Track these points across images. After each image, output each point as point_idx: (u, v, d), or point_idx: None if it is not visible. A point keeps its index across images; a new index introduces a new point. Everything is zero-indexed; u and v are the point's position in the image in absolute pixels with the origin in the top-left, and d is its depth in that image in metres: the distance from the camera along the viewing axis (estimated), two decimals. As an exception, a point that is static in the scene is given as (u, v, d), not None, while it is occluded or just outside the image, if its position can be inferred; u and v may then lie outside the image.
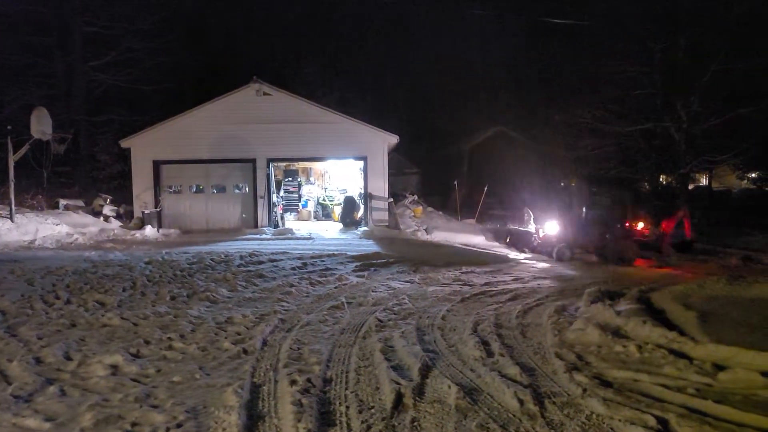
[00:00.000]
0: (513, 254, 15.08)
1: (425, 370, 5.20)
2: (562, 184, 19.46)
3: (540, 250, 15.07)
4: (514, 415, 4.28)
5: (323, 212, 23.01)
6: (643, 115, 22.39)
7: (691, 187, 25.97)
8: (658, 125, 22.23)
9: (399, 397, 4.55)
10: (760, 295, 6.85)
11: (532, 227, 16.11)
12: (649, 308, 7.17)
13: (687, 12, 21.07)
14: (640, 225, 14.85)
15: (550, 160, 25.86)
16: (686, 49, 21.56)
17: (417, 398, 4.55)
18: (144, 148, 19.43)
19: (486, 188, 24.29)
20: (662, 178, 24.51)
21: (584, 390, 4.70)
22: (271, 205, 19.85)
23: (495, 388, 4.78)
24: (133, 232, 17.40)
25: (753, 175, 31.27)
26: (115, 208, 20.27)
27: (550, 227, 15.19)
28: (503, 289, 9.60)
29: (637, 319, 6.47)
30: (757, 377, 4.76)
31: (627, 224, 14.77)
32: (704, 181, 35.05)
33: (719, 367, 5.09)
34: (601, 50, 22.12)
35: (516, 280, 10.79)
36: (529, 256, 14.91)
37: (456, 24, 36.73)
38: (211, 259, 11.91)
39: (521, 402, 4.45)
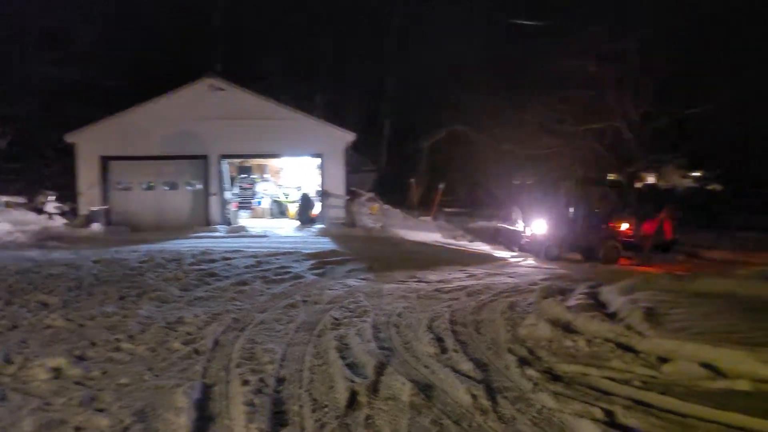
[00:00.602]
0: (501, 253, 15.27)
1: (380, 368, 5.19)
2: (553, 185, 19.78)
3: (528, 248, 15.28)
4: (467, 411, 4.31)
5: (278, 210, 22.77)
6: (595, 116, 22.95)
7: (639, 185, 26.73)
8: (609, 125, 22.83)
9: (353, 395, 4.53)
10: (701, 290, 7.11)
11: (520, 226, 16.21)
12: (599, 303, 7.35)
13: (639, 15, 21.70)
14: (625, 226, 15.30)
15: (506, 158, 26.22)
16: (638, 51, 22.18)
17: (371, 396, 4.54)
18: (91, 143, 18.81)
19: (442, 186, 24.49)
20: (613, 176, 25.16)
21: (535, 384, 4.78)
22: (224, 203, 19.52)
23: (449, 384, 4.82)
24: (78, 230, 16.85)
25: (696, 174, 32.47)
26: (60, 205, 19.57)
27: (537, 226, 15.37)
28: (459, 286, 9.70)
29: (586, 314, 6.63)
30: (699, 369, 4.94)
31: (612, 225, 15.20)
32: (651, 180, 36.15)
33: (663, 360, 5.26)
34: (556, 51, 22.55)
35: (471, 276, 10.91)
36: (516, 254, 15.10)
37: (414, 22, 36.81)
38: (162, 258, 11.63)
39: (474, 397, 4.50)
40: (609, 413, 4.14)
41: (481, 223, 21.43)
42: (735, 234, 18.57)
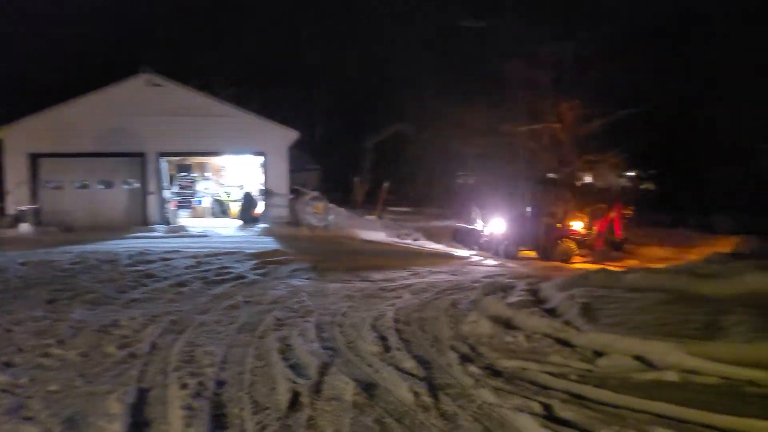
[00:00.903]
0: (459, 252, 15.39)
1: (323, 368, 5.15)
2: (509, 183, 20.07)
3: (487, 247, 15.43)
4: (409, 408, 4.33)
5: (220, 209, 22.30)
6: (533, 116, 23.55)
7: (577, 184, 27.56)
8: (546, 126, 23.47)
9: (295, 397, 4.48)
10: (634, 285, 7.38)
11: (479, 225, 16.33)
12: (539, 299, 7.53)
13: (575, 20, 22.37)
14: (579, 224, 15.68)
15: (450, 157, 26.57)
16: (574, 55, 22.87)
17: (314, 396, 4.50)
18: (19, 139, 17.91)
19: (387, 185, 24.57)
20: (551, 176, 25.86)
21: (476, 380, 4.85)
22: (163, 202, 18.97)
23: (392, 382, 4.82)
24: (5, 230, 16.04)
25: (630, 173, 33.75)
26: (-15, 204, 18.58)
27: (495, 225, 15.53)
28: (403, 285, 9.75)
29: (526, 310, 6.77)
30: (631, 361, 5.13)
31: (567, 224, 15.56)
32: (588, 179, 37.35)
33: (599, 354, 5.43)
34: (496, 50, 22.98)
35: (415, 275, 10.99)
36: (475, 253, 15.25)
37: (357, 20, 36.76)
38: (97, 259, 11.21)
39: (416, 395, 4.52)
40: (547, 407, 4.23)
41: (436, 223, 21.57)
42: (668, 231, 19.43)
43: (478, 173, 26.03)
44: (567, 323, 6.20)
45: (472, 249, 15.74)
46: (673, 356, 5.13)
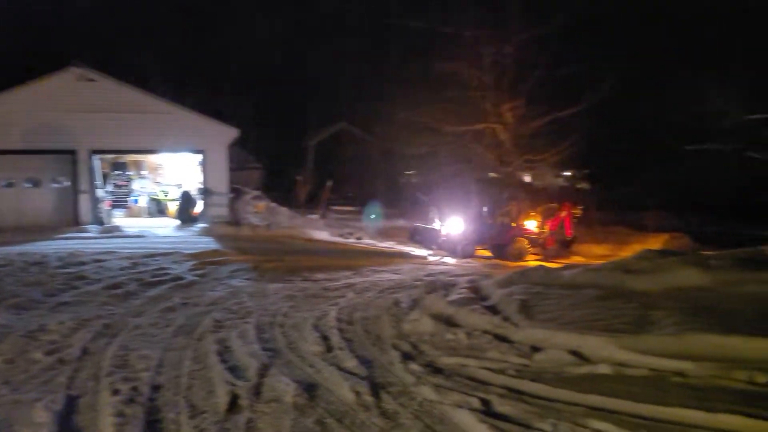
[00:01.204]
0: (417, 251, 15.45)
1: (263, 370, 5.08)
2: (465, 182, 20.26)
3: (445, 247, 15.49)
4: (350, 408, 4.32)
5: (157, 208, 21.67)
6: (474, 117, 23.94)
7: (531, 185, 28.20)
8: (488, 126, 23.91)
9: (234, 399, 4.39)
10: (569, 282, 7.61)
11: (437, 225, 16.39)
12: (479, 297, 7.65)
13: (514, 21, 22.86)
14: (532, 224, 15.99)
15: (391, 157, 26.70)
16: (513, 56, 23.38)
17: (253, 399, 4.43)
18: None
19: (330, 184, 24.49)
20: (492, 176, 26.36)
21: (417, 378, 4.88)
22: (96, 201, 18.25)
23: (333, 382, 4.80)
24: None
25: (567, 173, 34.81)
26: None
27: (453, 225, 15.62)
28: (346, 284, 9.72)
29: (466, 307, 6.87)
30: (566, 356, 5.27)
31: (521, 223, 15.85)
32: (527, 179, 38.30)
33: (536, 349, 5.56)
34: (438, 52, 23.24)
35: (358, 274, 10.98)
36: (433, 252, 15.32)
37: (299, 19, 36.46)
38: (24, 261, 10.69)
39: (358, 394, 4.51)
40: (485, 402, 4.31)
41: (388, 222, 21.61)
42: (607, 229, 20.19)
43: (422, 173, 26.28)
44: (506, 320, 6.32)
45: (431, 248, 15.89)
46: (605, 350, 5.31)
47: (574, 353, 5.34)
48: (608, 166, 26.24)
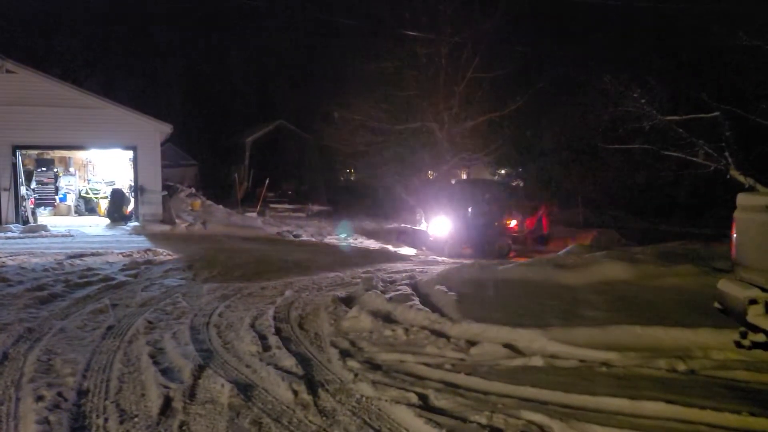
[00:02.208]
0: (405, 251, 15.66)
1: (198, 371, 4.96)
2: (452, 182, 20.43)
3: (432, 247, 15.69)
4: (288, 407, 4.29)
5: (86, 206, 20.83)
6: (412, 115, 24.21)
7: (453, 181, 28.66)
8: (424, 125, 24.22)
9: (167, 402, 4.28)
10: (502, 277, 7.82)
11: (424, 226, 16.86)
12: (417, 293, 7.75)
13: (447, 23, 23.24)
14: (513, 222, 16.37)
15: (330, 154, 26.64)
16: (447, 56, 23.77)
17: (187, 401, 4.33)
18: None
19: (267, 182, 24.19)
20: (429, 174, 26.72)
21: (356, 375, 4.90)
22: (19, 199, 17.35)
23: (270, 382, 4.75)
24: None
25: (502, 171, 35.70)
26: None
27: (438, 225, 16.07)
28: (285, 282, 9.62)
29: (405, 303, 6.95)
30: (500, 349, 5.42)
31: (503, 222, 16.18)
32: (464, 176, 39.02)
33: (472, 343, 5.68)
34: (375, 51, 23.35)
35: (295, 272, 10.89)
36: (421, 252, 15.61)
37: (233, 14, 35.76)
38: (-63, 263, 10.05)
39: (295, 393, 4.48)
40: (423, 397, 4.37)
41: (368, 223, 21.59)
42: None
43: (359, 171, 26.35)
44: (442, 315, 6.44)
45: (421, 249, 16.16)
46: (537, 343, 5.50)
47: (508, 346, 5.50)
48: (536, 166, 27.07)
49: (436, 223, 16.55)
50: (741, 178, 16.12)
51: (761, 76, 15.77)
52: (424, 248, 16.41)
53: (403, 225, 18.42)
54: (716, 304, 4.61)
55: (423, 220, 17.41)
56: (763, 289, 4.08)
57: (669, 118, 16.98)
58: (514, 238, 16.51)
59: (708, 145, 16.70)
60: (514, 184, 33.19)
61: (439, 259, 14.46)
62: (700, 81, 17.34)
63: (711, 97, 16.38)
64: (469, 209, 16.61)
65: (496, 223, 16.59)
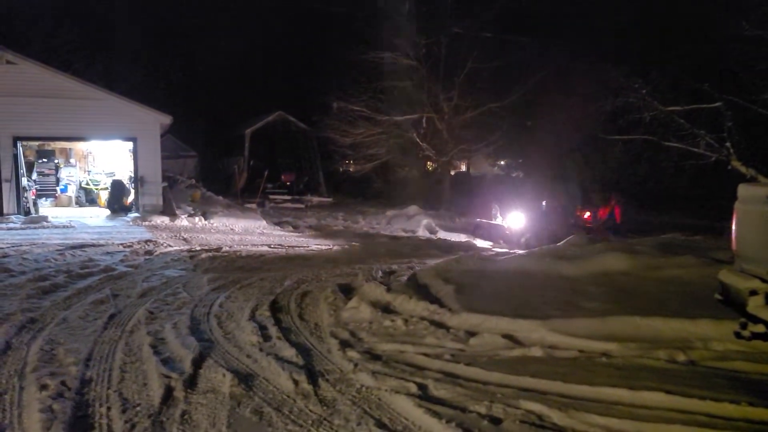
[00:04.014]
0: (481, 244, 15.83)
1: (199, 361, 5.00)
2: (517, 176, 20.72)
3: (509, 240, 16.10)
4: (288, 396, 4.32)
5: (87, 198, 20.83)
6: (411, 106, 24.15)
7: (453, 173, 28.69)
8: (424, 116, 24.17)
9: (169, 391, 4.32)
10: (501, 268, 7.83)
11: (500, 220, 17.15)
12: (417, 284, 7.76)
13: (447, 12, 23.16)
14: (586, 214, 16.54)
15: (329, 146, 26.60)
16: (447, 47, 23.69)
17: (189, 390, 4.36)
18: None
19: (266, 173, 24.18)
20: (429, 165, 26.72)
21: (355, 365, 4.92)
22: (20, 190, 17.35)
23: (271, 372, 4.78)
24: None
25: (501, 162, 35.65)
26: None
27: (514, 220, 16.42)
28: (284, 275, 9.62)
29: (404, 294, 6.96)
30: (500, 339, 5.44)
31: (576, 214, 16.59)
32: (464, 168, 38.99)
33: (471, 334, 5.71)
34: (375, 42, 23.28)
35: (294, 263, 10.90)
36: (498, 246, 15.80)
37: (230, 4, 35.63)
38: (-61, 254, 10.07)
39: (296, 383, 4.51)
40: (422, 387, 4.39)
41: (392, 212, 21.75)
42: None
43: (358, 162, 26.32)
44: (442, 306, 6.45)
45: (498, 243, 16.38)
46: (537, 333, 5.52)
47: (508, 337, 5.52)
48: (537, 157, 26.98)
49: (511, 217, 16.92)
50: (742, 169, 16.11)
51: (764, 66, 15.71)
52: (501, 241, 16.67)
53: (478, 219, 18.65)
54: (716, 295, 4.62)
55: (498, 215, 17.67)
56: (764, 280, 4.09)
57: (670, 108, 16.96)
58: (588, 229, 16.73)
59: (709, 136, 16.69)
60: (513, 175, 33.20)
61: (517, 251, 14.73)
62: (701, 71, 17.27)
63: (713, 87, 16.34)
64: (544, 203, 16.95)
65: (570, 215, 16.91)
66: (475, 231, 18.26)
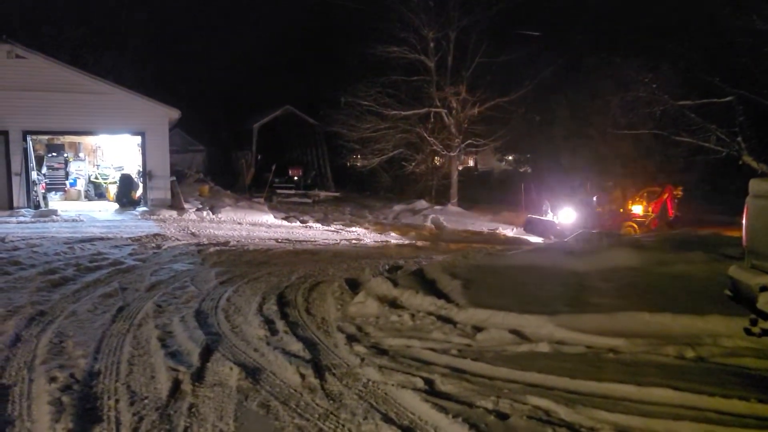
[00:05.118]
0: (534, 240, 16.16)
1: (206, 354, 5.02)
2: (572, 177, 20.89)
3: (560, 235, 16.05)
4: (295, 390, 4.32)
5: (96, 191, 20.91)
6: (419, 101, 24.09)
7: (460, 168, 28.58)
8: (432, 110, 24.10)
9: (176, 385, 4.33)
10: (511, 263, 7.80)
11: (550, 216, 17.33)
12: (423, 279, 7.75)
13: (456, 6, 23.04)
14: (638, 208, 16.81)
15: (336, 140, 26.58)
16: (456, 41, 23.59)
17: (196, 384, 4.37)
18: None
19: (274, 168, 24.20)
20: (437, 160, 26.63)
21: (362, 359, 4.93)
22: (30, 184, 17.45)
23: (278, 366, 4.79)
24: None
25: (509, 157, 35.54)
26: None
27: (565, 215, 16.62)
28: (292, 269, 9.64)
29: (411, 289, 6.95)
30: (507, 335, 5.43)
31: (628, 208, 16.82)
32: (471, 163, 38.93)
33: (478, 329, 5.69)
34: (382, 36, 23.20)
35: (302, 256, 10.92)
36: (551, 241, 15.91)
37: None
38: (-50, 247, 10.15)
39: (303, 376, 4.52)
40: (429, 382, 4.39)
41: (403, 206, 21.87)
42: None
43: (365, 157, 26.28)
44: (449, 301, 6.44)
45: (549, 239, 16.47)
46: (544, 329, 5.49)
47: (515, 332, 5.50)
48: (544, 151, 26.87)
49: (562, 212, 17.02)
50: (754, 164, 15.97)
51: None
52: (552, 237, 16.70)
53: (530, 216, 18.67)
54: (727, 291, 4.58)
55: (549, 211, 17.70)
56: (774, 277, 4.05)
57: (681, 103, 16.82)
58: (640, 223, 16.69)
59: (720, 131, 16.55)
60: (521, 170, 33.07)
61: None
62: (713, 65, 17.12)
63: (724, 81, 16.19)
64: (595, 198, 16.96)
65: (621, 210, 16.90)
66: (527, 227, 18.32)
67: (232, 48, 34.24)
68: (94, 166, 22.07)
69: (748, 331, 4.25)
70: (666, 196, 17.49)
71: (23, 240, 11.32)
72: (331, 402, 4.13)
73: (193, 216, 17.02)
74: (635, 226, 16.80)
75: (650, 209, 17.47)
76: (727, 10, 15.88)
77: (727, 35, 16.62)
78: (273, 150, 29.95)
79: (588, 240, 9.11)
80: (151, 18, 33.52)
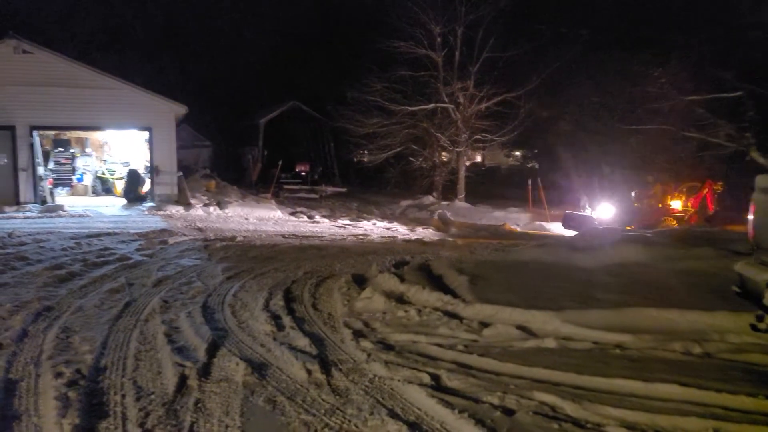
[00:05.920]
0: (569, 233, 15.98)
1: (213, 350, 5.02)
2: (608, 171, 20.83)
3: None
4: (301, 386, 4.33)
5: (103, 187, 21.00)
6: (426, 96, 24.02)
7: (467, 163, 28.54)
8: (439, 106, 24.04)
9: (183, 380, 4.34)
10: (515, 259, 7.78)
11: (589, 211, 17.38)
12: (430, 275, 7.74)
13: (462, 1, 22.94)
14: (677, 203, 16.71)
15: (343, 135, 26.56)
16: (463, 36, 23.50)
17: (202, 379, 4.38)
18: None
19: (280, 163, 24.22)
20: (444, 156, 26.57)
21: (369, 355, 4.92)
22: (37, 179, 17.54)
23: (284, 361, 4.80)
24: None
25: (517, 153, 35.42)
26: None
27: (604, 211, 16.63)
28: (297, 266, 9.65)
29: (418, 285, 6.94)
30: (513, 330, 5.41)
31: (666, 204, 16.76)
32: (478, 158, 38.84)
33: (484, 325, 5.68)
34: (389, 31, 23.15)
35: (309, 252, 10.93)
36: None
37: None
38: (-42, 242, 10.21)
39: (309, 372, 4.52)
40: (435, 377, 4.38)
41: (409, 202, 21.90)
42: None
43: (372, 153, 26.26)
44: (455, 296, 6.43)
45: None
46: (551, 325, 5.48)
47: (521, 328, 5.49)
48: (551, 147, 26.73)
49: (601, 208, 16.96)
50: (760, 159, 15.85)
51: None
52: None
53: (568, 211, 18.58)
54: (734, 287, 4.55)
55: (587, 206, 17.64)
56: (782, 273, 4.02)
57: (690, 97, 16.69)
58: (679, 218, 16.61)
59: (730, 126, 16.43)
60: (529, 166, 32.95)
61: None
62: (723, 60, 16.97)
63: (734, 76, 16.05)
64: (633, 193, 16.92)
65: (660, 205, 16.83)
66: (565, 222, 18.21)
67: (240, 43, 34.24)
68: (101, 161, 22.16)
69: (754, 327, 4.23)
70: (706, 191, 17.28)
71: (30, 235, 11.38)
72: (338, 397, 4.13)
73: (199, 211, 17.06)
74: (673, 222, 16.68)
75: (689, 204, 17.34)
76: (737, 3, 15.73)
77: (737, 29, 16.47)
78: (280, 145, 29.97)
79: (594, 235, 9.07)
80: (158, 14, 33.57)
